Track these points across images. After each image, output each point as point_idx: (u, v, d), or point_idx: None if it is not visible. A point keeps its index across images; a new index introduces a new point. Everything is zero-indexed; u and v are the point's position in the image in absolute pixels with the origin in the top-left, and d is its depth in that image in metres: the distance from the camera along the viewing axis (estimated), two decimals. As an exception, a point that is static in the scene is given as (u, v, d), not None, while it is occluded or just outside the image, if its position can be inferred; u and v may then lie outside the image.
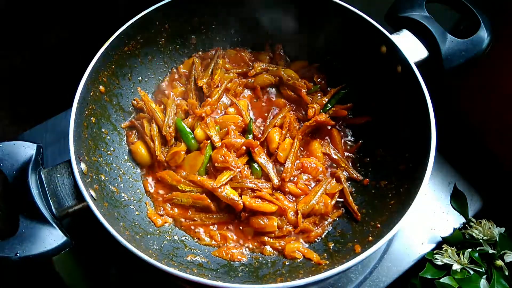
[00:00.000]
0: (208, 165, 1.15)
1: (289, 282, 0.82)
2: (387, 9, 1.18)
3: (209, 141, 1.15)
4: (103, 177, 1.05)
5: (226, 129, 1.19)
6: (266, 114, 1.26)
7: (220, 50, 1.33)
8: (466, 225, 1.26)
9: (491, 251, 1.16)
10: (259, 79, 1.29)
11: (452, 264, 1.14)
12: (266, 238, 1.09)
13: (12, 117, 1.59)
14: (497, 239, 1.17)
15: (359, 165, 1.21)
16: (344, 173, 1.19)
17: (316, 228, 1.11)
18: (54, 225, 0.87)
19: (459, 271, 1.13)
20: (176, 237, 1.09)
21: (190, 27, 1.29)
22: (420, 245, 1.23)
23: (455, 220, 1.28)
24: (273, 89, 1.30)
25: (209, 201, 1.10)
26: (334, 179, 1.17)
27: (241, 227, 1.11)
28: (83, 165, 0.96)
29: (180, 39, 1.30)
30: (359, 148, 1.23)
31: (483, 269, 1.14)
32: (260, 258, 1.07)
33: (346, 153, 1.23)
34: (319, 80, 1.31)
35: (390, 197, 1.05)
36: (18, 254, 0.83)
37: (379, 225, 1.00)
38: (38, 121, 1.38)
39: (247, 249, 1.09)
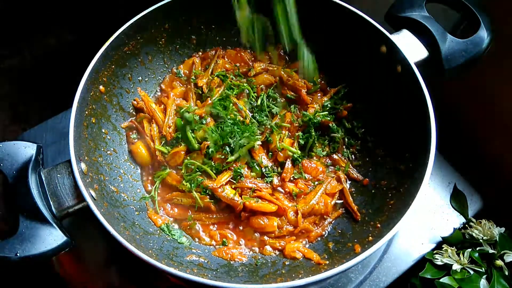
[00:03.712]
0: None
1: (289, 282, 0.82)
2: (387, 9, 1.18)
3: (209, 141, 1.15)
4: (103, 177, 1.05)
5: (226, 129, 1.19)
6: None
7: (220, 50, 1.33)
8: (466, 225, 1.26)
9: (491, 251, 1.16)
10: (259, 79, 1.29)
11: (452, 264, 1.14)
12: (266, 238, 1.09)
13: (12, 117, 1.59)
14: (497, 239, 1.17)
15: (359, 165, 1.21)
16: (344, 173, 1.19)
17: (316, 228, 1.11)
18: (54, 225, 0.87)
19: (459, 271, 1.13)
20: (176, 237, 1.09)
21: (190, 27, 1.29)
22: (420, 245, 1.23)
23: (455, 220, 1.28)
24: (273, 89, 1.29)
25: (209, 201, 1.10)
26: (334, 179, 1.17)
27: (241, 227, 1.11)
28: (83, 165, 0.96)
29: (180, 39, 1.30)
30: (359, 148, 1.23)
31: (483, 269, 1.14)
32: (260, 258, 1.07)
33: (346, 153, 1.23)
34: (319, 80, 1.31)
35: (390, 197, 1.05)
36: (18, 254, 0.83)
37: (379, 225, 1.00)
38: (38, 121, 1.38)
39: (247, 249, 1.09)
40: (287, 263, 1.05)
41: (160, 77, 1.31)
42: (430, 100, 0.99)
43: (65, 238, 0.87)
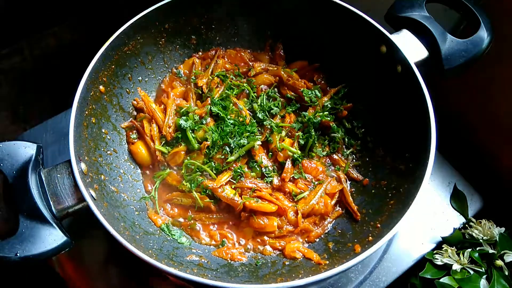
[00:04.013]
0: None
1: (289, 282, 0.82)
2: (387, 9, 1.18)
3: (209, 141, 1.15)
4: (103, 177, 1.05)
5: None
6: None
7: (220, 50, 1.34)
8: (466, 225, 1.26)
9: (491, 251, 1.16)
10: (259, 79, 1.29)
11: (452, 264, 1.14)
12: (266, 238, 1.09)
13: (12, 117, 1.60)
14: (497, 239, 1.17)
15: (359, 165, 1.21)
16: (344, 173, 1.19)
17: (316, 228, 1.11)
18: (54, 225, 0.87)
19: (459, 271, 1.13)
20: (176, 237, 1.09)
21: (190, 27, 1.29)
22: (420, 245, 1.23)
23: (455, 220, 1.28)
24: (273, 89, 1.29)
25: (209, 201, 1.10)
26: (334, 179, 1.17)
27: (241, 227, 1.11)
28: (83, 165, 0.96)
29: (180, 39, 1.30)
30: (359, 148, 1.23)
31: (483, 269, 1.14)
32: (260, 258, 1.07)
33: (346, 153, 1.23)
34: (319, 80, 1.31)
35: (390, 197, 1.05)
36: (18, 254, 0.83)
37: (379, 225, 1.00)
38: (38, 121, 1.38)
39: (247, 249, 1.09)
40: (287, 263, 1.05)
41: (160, 77, 1.31)
42: (430, 100, 0.99)
43: (65, 238, 0.87)
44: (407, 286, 1.21)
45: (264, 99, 1.25)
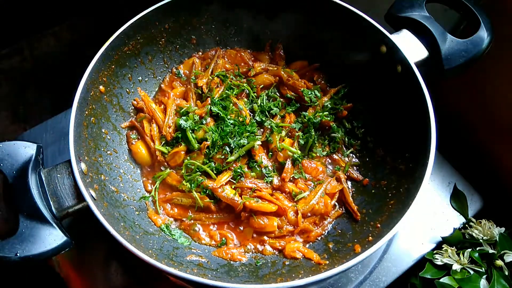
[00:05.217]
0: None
1: (289, 282, 0.82)
2: (387, 9, 1.18)
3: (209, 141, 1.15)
4: (103, 177, 1.05)
5: (226, 129, 1.19)
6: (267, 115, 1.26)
7: (220, 50, 1.34)
8: (466, 225, 1.26)
9: (491, 251, 1.16)
10: (259, 79, 1.29)
11: (452, 264, 1.14)
12: (266, 238, 1.09)
13: (12, 117, 1.59)
14: (497, 239, 1.17)
15: (359, 165, 1.21)
16: (344, 173, 1.19)
17: (316, 228, 1.11)
18: (54, 225, 0.87)
19: (459, 271, 1.13)
20: (176, 237, 1.09)
21: (190, 27, 1.29)
22: (420, 245, 1.23)
23: (455, 220, 1.28)
24: (273, 89, 1.29)
25: (209, 201, 1.10)
26: (334, 179, 1.17)
27: (241, 227, 1.11)
28: (83, 165, 0.96)
29: (180, 39, 1.30)
30: (359, 148, 1.23)
31: (483, 269, 1.14)
32: (260, 258, 1.07)
33: (346, 153, 1.23)
34: (319, 80, 1.31)
35: (390, 197, 1.05)
36: (18, 254, 0.83)
37: (379, 225, 1.00)
38: (38, 121, 1.38)
39: (247, 249, 1.09)
40: (287, 263, 1.05)
41: (160, 77, 1.31)
42: (430, 100, 0.99)
43: (65, 238, 0.87)
44: (407, 286, 1.21)
45: (264, 99, 1.25)
